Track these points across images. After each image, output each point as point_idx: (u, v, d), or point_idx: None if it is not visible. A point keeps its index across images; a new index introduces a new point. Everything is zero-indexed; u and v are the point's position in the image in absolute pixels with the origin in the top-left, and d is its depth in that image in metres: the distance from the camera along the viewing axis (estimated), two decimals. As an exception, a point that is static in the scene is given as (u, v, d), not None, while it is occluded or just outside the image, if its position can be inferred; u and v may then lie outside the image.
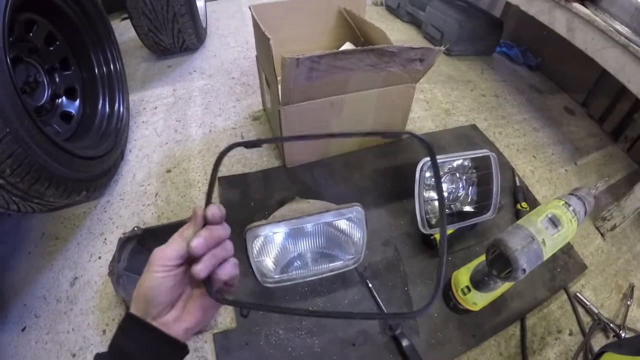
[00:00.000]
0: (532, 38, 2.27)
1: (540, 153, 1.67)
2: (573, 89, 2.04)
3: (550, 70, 2.19)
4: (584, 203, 0.93)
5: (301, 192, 1.24)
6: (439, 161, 1.06)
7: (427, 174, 1.10)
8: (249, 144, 0.55)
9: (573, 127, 1.85)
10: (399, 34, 2.42)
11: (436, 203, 1.15)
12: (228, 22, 2.36)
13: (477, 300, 0.99)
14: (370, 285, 1.07)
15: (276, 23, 1.38)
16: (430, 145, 0.51)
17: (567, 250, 1.27)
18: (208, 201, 0.50)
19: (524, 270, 0.80)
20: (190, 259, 0.49)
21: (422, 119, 1.69)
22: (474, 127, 1.67)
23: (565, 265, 1.23)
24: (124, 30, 2.05)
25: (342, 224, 0.97)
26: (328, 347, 0.97)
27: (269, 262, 0.96)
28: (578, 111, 1.96)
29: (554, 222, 0.86)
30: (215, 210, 0.50)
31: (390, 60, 1.08)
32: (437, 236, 1.12)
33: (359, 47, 1.02)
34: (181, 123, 1.56)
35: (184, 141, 1.48)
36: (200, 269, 0.47)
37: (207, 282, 0.50)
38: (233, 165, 1.38)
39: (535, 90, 2.07)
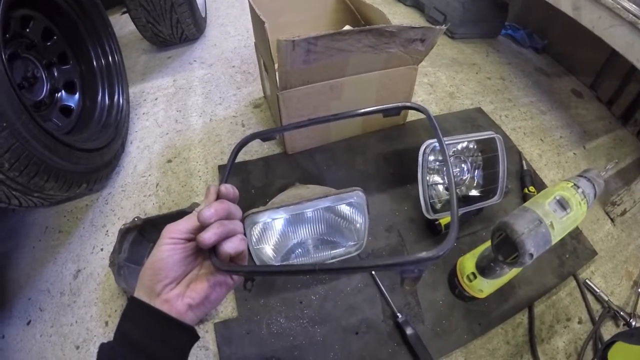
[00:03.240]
0: (538, 20, 2.22)
1: (547, 136, 1.63)
2: (581, 71, 1.99)
3: (558, 53, 2.13)
4: (593, 185, 0.90)
5: (302, 178, 1.21)
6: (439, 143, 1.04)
7: (431, 158, 1.06)
8: (264, 136, 0.55)
9: (581, 110, 1.81)
10: (401, 17, 2.36)
11: (440, 187, 1.12)
12: (228, 11, 2.33)
13: (483, 287, 0.96)
14: (373, 272, 1.04)
15: (274, 8, 1.36)
16: (427, 112, 0.49)
17: (576, 235, 1.23)
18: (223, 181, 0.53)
19: (532, 255, 0.77)
20: (195, 233, 0.50)
21: (425, 103, 1.65)
22: (479, 110, 1.63)
23: (574, 251, 1.19)
24: (124, 24, 2.02)
25: (343, 209, 0.94)
26: (330, 335, 0.95)
27: (268, 249, 0.94)
28: (586, 94, 1.91)
29: (563, 204, 0.82)
30: (229, 187, 0.53)
31: (390, 40, 1.05)
32: (442, 221, 1.09)
33: (356, 28, 0.99)
34: (182, 113, 1.54)
35: (185, 131, 1.46)
36: (208, 236, 0.48)
37: (212, 251, 0.50)
38: (233, 152, 1.35)
39: (542, 73, 2.02)
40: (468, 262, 0.98)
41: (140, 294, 0.49)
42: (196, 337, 0.52)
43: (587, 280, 1.16)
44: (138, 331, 0.48)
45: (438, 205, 1.07)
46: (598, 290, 1.14)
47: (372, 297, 1.02)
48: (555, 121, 1.71)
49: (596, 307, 1.13)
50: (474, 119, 1.57)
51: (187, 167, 1.33)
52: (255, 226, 0.89)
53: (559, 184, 0.89)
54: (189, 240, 0.51)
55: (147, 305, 0.48)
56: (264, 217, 0.88)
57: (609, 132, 1.72)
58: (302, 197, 0.91)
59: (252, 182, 1.22)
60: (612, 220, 1.36)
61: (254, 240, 0.90)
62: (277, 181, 1.22)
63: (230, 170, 0.57)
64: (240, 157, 1.32)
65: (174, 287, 0.50)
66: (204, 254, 0.54)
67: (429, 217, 1.07)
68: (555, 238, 0.80)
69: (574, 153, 1.58)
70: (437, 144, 1.02)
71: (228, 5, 2.40)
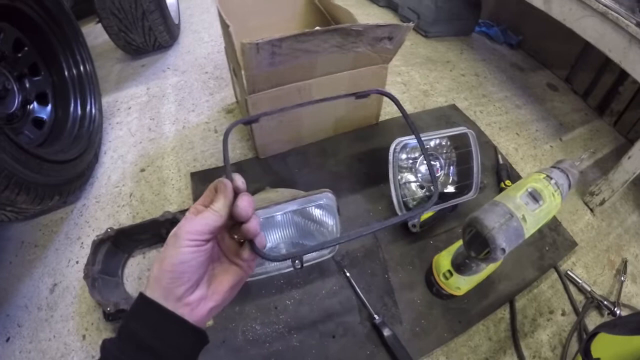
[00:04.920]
0: (511, 16, 2.20)
1: (523, 130, 1.61)
2: (556, 65, 1.97)
3: (532, 48, 2.12)
4: (567, 176, 0.87)
5: (275, 182, 1.17)
6: (413, 141, 1.01)
7: (403, 156, 1.03)
8: (248, 121, 0.62)
9: (557, 103, 1.79)
10: (375, 18, 2.34)
11: (414, 186, 1.08)
12: (202, 17, 2.29)
13: (460, 285, 0.92)
14: (348, 274, 1.01)
15: (243, 12, 1.32)
16: (395, 99, 0.46)
17: (556, 227, 1.20)
18: (228, 177, 0.49)
19: (503, 250, 0.73)
20: (215, 233, 0.47)
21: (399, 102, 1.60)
22: (453, 107, 1.60)
23: (554, 243, 1.17)
24: (99, 33, 1.97)
25: (313, 211, 0.90)
26: (307, 340, 0.91)
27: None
28: (561, 87, 1.90)
29: (535, 196, 0.79)
30: (243, 179, 0.49)
31: (357, 40, 1.02)
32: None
33: (322, 28, 0.95)
34: (155, 121, 1.50)
35: (158, 139, 1.42)
36: (255, 228, 0.47)
37: (253, 242, 0.48)
38: (206, 159, 1.32)
39: (517, 68, 2.00)
40: (443, 260, 0.95)
41: (154, 294, 0.45)
42: (206, 341, 0.49)
43: (568, 272, 1.13)
44: (149, 332, 0.44)
45: (412, 204, 1.04)
46: (580, 281, 1.11)
47: (348, 300, 0.98)
48: (531, 115, 1.69)
49: (579, 298, 1.11)
50: (448, 116, 1.54)
51: (160, 176, 1.29)
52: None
53: (531, 175, 0.86)
54: (208, 240, 0.47)
55: (161, 306, 0.44)
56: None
57: (586, 124, 1.70)
58: (272, 200, 0.87)
59: (224, 189, 1.17)
60: (591, 210, 1.34)
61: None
62: (250, 186, 1.16)
63: (228, 161, 0.54)
64: (212, 163, 1.28)
65: (194, 290, 0.46)
66: (218, 252, 0.52)
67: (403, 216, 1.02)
68: (529, 231, 0.77)
69: (550, 146, 1.56)
70: (408, 141, 0.98)
71: (202, 10, 2.36)
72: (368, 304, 0.96)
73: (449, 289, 0.94)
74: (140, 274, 1.04)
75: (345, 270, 1.01)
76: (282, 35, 0.91)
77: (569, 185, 0.87)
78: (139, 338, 0.44)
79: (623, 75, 1.61)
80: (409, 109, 1.58)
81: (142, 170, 1.32)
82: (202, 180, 1.21)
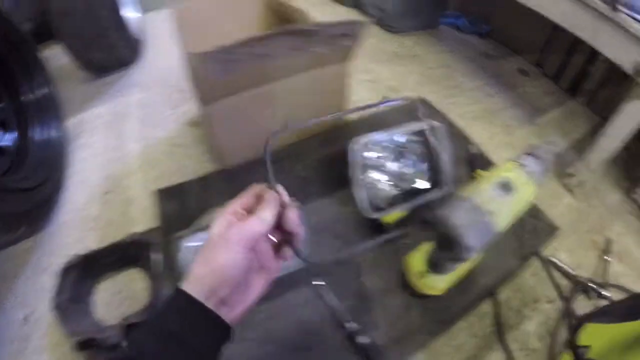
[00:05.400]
0: (479, 5, 2.15)
1: (496, 118, 1.57)
2: (526, 50, 1.93)
3: (501, 36, 2.07)
4: (541, 161, 0.83)
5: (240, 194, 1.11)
6: (380, 138, 0.96)
7: (371, 154, 0.99)
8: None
9: (529, 88, 1.76)
10: (340, 18, 2.28)
11: (385, 184, 1.04)
12: (167, 31, 2.21)
13: (437, 284, 0.88)
14: (319, 282, 0.95)
15: (202, 20, 1.27)
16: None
17: (535, 213, 1.16)
18: (274, 188, 0.53)
19: (474, 248, 0.69)
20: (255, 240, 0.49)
21: (366, 100, 1.50)
22: (422, 100, 1.54)
23: (534, 230, 1.13)
24: (62, 55, 1.92)
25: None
26: (280, 354, 0.87)
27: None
28: (532, 72, 1.86)
29: (506, 187, 0.75)
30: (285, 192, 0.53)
31: (313, 40, 0.97)
32: (386, 219, 1.00)
33: (273, 30, 0.91)
34: (119, 141, 1.44)
35: (123, 158, 1.37)
36: (302, 235, 0.53)
37: (298, 249, 0.53)
38: (172, 175, 1.27)
39: (487, 56, 1.96)
40: (414, 260, 0.90)
41: (195, 292, 0.44)
42: (232, 339, 0.48)
43: (551, 258, 1.10)
44: (188, 329, 0.44)
45: (382, 203, 0.99)
46: (564, 266, 1.07)
47: (322, 309, 0.93)
48: (504, 102, 1.66)
49: (564, 283, 1.07)
50: (417, 111, 1.47)
51: (126, 196, 1.25)
52: (185, 250, 0.80)
53: (502, 165, 0.82)
54: (253, 246, 0.49)
55: (204, 306, 0.44)
56: (194, 241, 0.80)
57: (559, 106, 1.67)
58: None
59: (189, 205, 1.12)
60: (570, 192, 1.31)
61: (182, 265, 0.83)
62: (216, 200, 1.12)
63: (272, 173, 0.57)
64: (178, 179, 1.23)
65: (235, 292, 0.48)
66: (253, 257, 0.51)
67: (370, 217, 0.98)
68: (501, 225, 0.73)
69: (525, 131, 1.53)
70: (374, 138, 0.94)
71: (167, 24, 2.29)
72: (342, 312, 0.91)
73: (425, 290, 0.89)
74: (110, 299, 1.00)
75: (317, 279, 0.96)
76: (233, 42, 0.87)
77: (543, 172, 0.84)
78: (175, 332, 0.43)
79: (593, 54, 1.57)
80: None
81: (108, 192, 1.27)
82: (167, 197, 1.16)
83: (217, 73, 0.92)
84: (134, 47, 1.77)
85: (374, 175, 1.03)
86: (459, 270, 0.89)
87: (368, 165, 0.99)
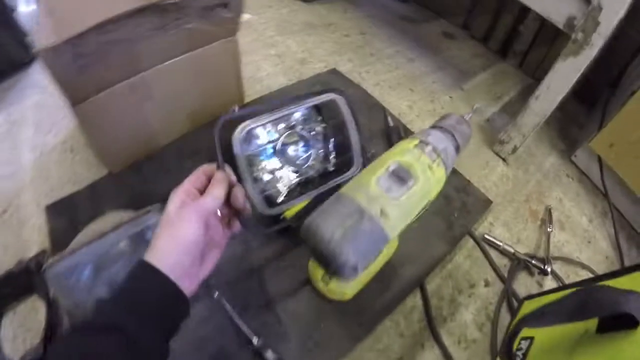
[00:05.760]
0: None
1: (418, 85, 1.41)
2: (450, 12, 1.77)
3: (424, -1, 1.91)
4: (452, 135, 0.66)
5: (131, 199, 0.94)
6: (271, 119, 0.79)
7: (255, 141, 0.81)
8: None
9: (455, 51, 1.60)
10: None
11: (279, 173, 0.87)
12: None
13: (343, 290, 0.74)
14: (216, 294, 0.78)
15: (77, 10, 1.05)
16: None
17: (464, 187, 1.04)
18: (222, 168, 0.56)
19: (355, 268, 0.52)
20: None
21: (271, 76, 1.36)
22: (333, 71, 1.37)
23: (463, 207, 1.00)
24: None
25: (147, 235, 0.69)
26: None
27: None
28: (459, 34, 1.70)
29: (401, 175, 0.58)
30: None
31: (180, 15, 0.79)
32: (288, 214, 0.83)
33: (127, 10, 0.72)
34: (14, 152, 1.23)
35: (17, 173, 1.16)
36: (248, 210, 0.56)
37: (245, 220, 0.57)
38: (63, 186, 1.07)
39: (408, 20, 1.76)
40: (316, 264, 0.74)
41: (159, 263, 0.45)
42: (189, 313, 0.49)
43: (486, 235, 0.97)
44: (153, 300, 0.44)
45: (281, 197, 0.83)
46: (500, 243, 0.95)
47: (224, 324, 0.77)
48: (426, 67, 1.50)
49: (503, 262, 0.95)
50: (327, 83, 1.31)
51: (20, 216, 1.05)
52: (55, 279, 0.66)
53: (398, 145, 0.64)
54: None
55: (164, 275, 0.44)
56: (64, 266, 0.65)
57: (488, 68, 1.53)
58: (101, 232, 0.69)
59: (80, 218, 0.93)
60: (503, 160, 1.18)
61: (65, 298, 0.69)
62: (107, 209, 0.94)
63: (221, 155, 0.58)
64: (69, 190, 1.04)
65: (196, 263, 0.50)
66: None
67: (265, 213, 0.80)
68: (395, 229, 0.56)
69: (450, 97, 1.38)
70: (253, 125, 0.76)
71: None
72: (245, 327, 0.75)
73: (334, 296, 0.74)
74: (15, 333, 0.83)
75: (213, 289, 0.79)
76: (80, 30, 0.69)
77: (457, 148, 0.67)
78: (143, 304, 0.43)
79: (523, 13, 1.45)
80: (282, 82, 1.33)
81: (3, 212, 1.07)
82: (56, 212, 0.98)
83: (71, 70, 0.75)
84: (27, 46, 1.53)
85: (268, 164, 0.85)
86: (371, 268, 0.72)
87: (257, 155, 0.82)
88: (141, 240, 0.71)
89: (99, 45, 0.74)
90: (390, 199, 0.54)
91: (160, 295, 0.44)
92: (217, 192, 0.51)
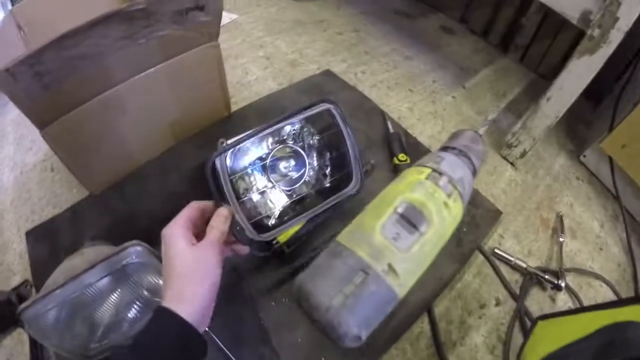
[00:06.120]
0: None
1: (417, 84, 1.29)
2: (448, 6, 1.64)
3: (420, -8, 1.79)
4: (468, 158, 0.54)
5: (111, 223, 0.85)
6: (258, 134, 0.67)
7: (247, 158, 0.70)
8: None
9: (454, 47, 1.48)
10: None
11: (270, 193, 0.75)
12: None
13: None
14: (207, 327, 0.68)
15: (44, 19, 0.93)
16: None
17: (472, 198, 0.92)
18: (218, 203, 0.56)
19: (357, 338, 0.42)
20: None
21: (260, 80, 1.24)
22: (327, 73, 1.25)
23: (472, 220, 0.90)
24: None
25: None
26: None
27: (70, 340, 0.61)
28: (457, 29, 1.58)
29: (412, 219, 0.46)
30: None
31: (150, 22, 0.69)
32: (281, 238, 0.73)
33: (89, 21, 0.60)
34: (-4, 172, 1.12)
35: (-3, 195, 1.06)
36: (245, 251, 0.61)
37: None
38: (44, 209, 0.97)
39: (404, 15, 1.63)
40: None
41: (171, 304, 0.43)
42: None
43: (496, 250, 0.87)
44: (166, 346, 0.41)
45: (273, 220, 0.71)
46: (512, 258, 0.85)
47: (216, 358, 0.67)
48: (425, 65, 1.37)
49: (514, 277, 0.86)
50: (320, 86, 1.18)
51: (0, 242, 0.94)
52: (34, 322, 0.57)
53: (405, 176, 0.52)
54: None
55: (180, 318, 0.42)
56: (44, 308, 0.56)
57: (489, 64, 1.42)
58: (75, 270, 0.58)
59: (62, 243, 0.84)
60: (512, 164, 1.09)
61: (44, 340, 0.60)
62: (87, 233, 0.85)
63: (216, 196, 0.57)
64: (49, 213, 0.93)
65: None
66: None
67: (256, 239, 0.67)
68: (404, 286, 0.45)
69: (452, 97, 1.26)
70: (243, 138, 0.64)
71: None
72: None
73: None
74: None
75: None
76: (38, 47, 0.59)
77: (474, 172, 0.55)
78: (158, 351, 0.41)
79: (524, 5, 1.34)
80: (272, 86, 1.22)
81: None
82: (38, 239, 0.88)
83: (34, 91, 0.65)
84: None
85: (257, 183, 0.74)
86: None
87: (244, 174, 0.70)
88: (123, 277, 0.62)
89: (64, 61, 0.64)
90: (398, 251, 0.43)
91: (180, 342, 0.42)
92: (223, 227, 0.51)
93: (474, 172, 0.55)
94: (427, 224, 0.45)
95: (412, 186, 0.49)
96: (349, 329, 0.40)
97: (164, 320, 0.43)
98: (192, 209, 0.53)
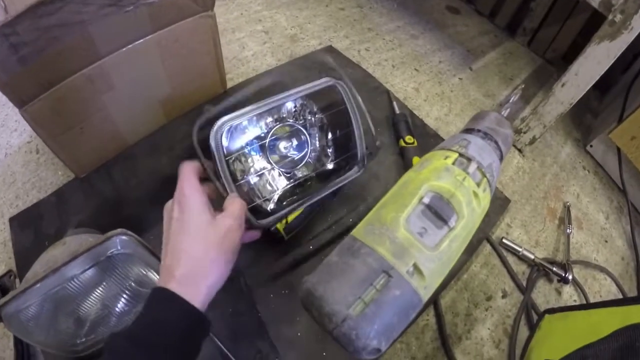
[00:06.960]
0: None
1: (423, 64, 1.21)
2: None
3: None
4: (496, 143, 0.48)
5: (98, 208, 0.78)
6: (255, 112, 0.60)
7: (244, 138, 0.63)
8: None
9: (460, 27, 1.40)
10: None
11: (269, 175, 0.68)
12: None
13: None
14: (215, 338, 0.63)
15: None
16: None
17: (481, 187, 0.86)
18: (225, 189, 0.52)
19: (377, 350, 0.36)
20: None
21: (258, 56, 1.14)
22: (329, 48, 1.16)
23: None
24: None
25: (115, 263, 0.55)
26: None
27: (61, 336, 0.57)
28: (463, 9, 1.49)
29: (440, 212, 0.39)
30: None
31: (140, -14, 0.60)
32: (280, 226, 0.68)
33: None
34: (-22, 155, 1.04)
35: (-19, 179, 0.98)
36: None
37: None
38: (28, 193, 0.88)
39: None
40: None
41: (171, 284, 0.38)
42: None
43: (504, 240, 0.83)
44: (167, 329, 0.37)
45: (271, 205, 0.65)
46: (520, 249, 0.81)
47: (213, 355, 0.62)
48: (431, 44, 1.29)
49: (521, 268, 0.82)
50: (322, 63, 1.08)
51: (-14, 231, 0.89)
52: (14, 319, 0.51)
53: (427, 161, 0.45)
54: None
55: (182, 300, 0.37)
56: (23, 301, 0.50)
57: (497, 47, 1.35)
58: (56, 262, 0.52)
59: (46, 230, 0.77)
60: (520, 151, 1.04)
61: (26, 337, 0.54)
62: (73, 219, 0.78)
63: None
64: (34, 197, 0.85)
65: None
66: None
67: (255, 225, 0.62)
68: (430, 289, 0.39)
69: (459, 78, 1.19)
70: (235, 121, 0.57)
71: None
72: (234, 357, 0.61)
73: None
74: None
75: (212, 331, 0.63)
76: (11, 16, 0.51)
77: (502, 156, 0.50)
78: (159, 335, 0.37)
79: None
80: (271, 62, 1.12)
81: None
82: (21, 225, 0.80)
83: (9, 65, 0.57)
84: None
85: (254, 164, 0.67)
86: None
87: (241, 154, 0.64)
88: (108, 268, 0.56)
89: (42, 30, 0.56)
90: (425, 248, 0.37)
91: (184, 326, 0.38)
92: (238, 212, 0.47)
93: (501, 159, 0.49)
94: (456, 217, 0.39)
95: (439, 172, 0.42)
96: (368, 341, 0.34)
97: (169, 308, 0.38)
98: (194, 167, 0.50)
